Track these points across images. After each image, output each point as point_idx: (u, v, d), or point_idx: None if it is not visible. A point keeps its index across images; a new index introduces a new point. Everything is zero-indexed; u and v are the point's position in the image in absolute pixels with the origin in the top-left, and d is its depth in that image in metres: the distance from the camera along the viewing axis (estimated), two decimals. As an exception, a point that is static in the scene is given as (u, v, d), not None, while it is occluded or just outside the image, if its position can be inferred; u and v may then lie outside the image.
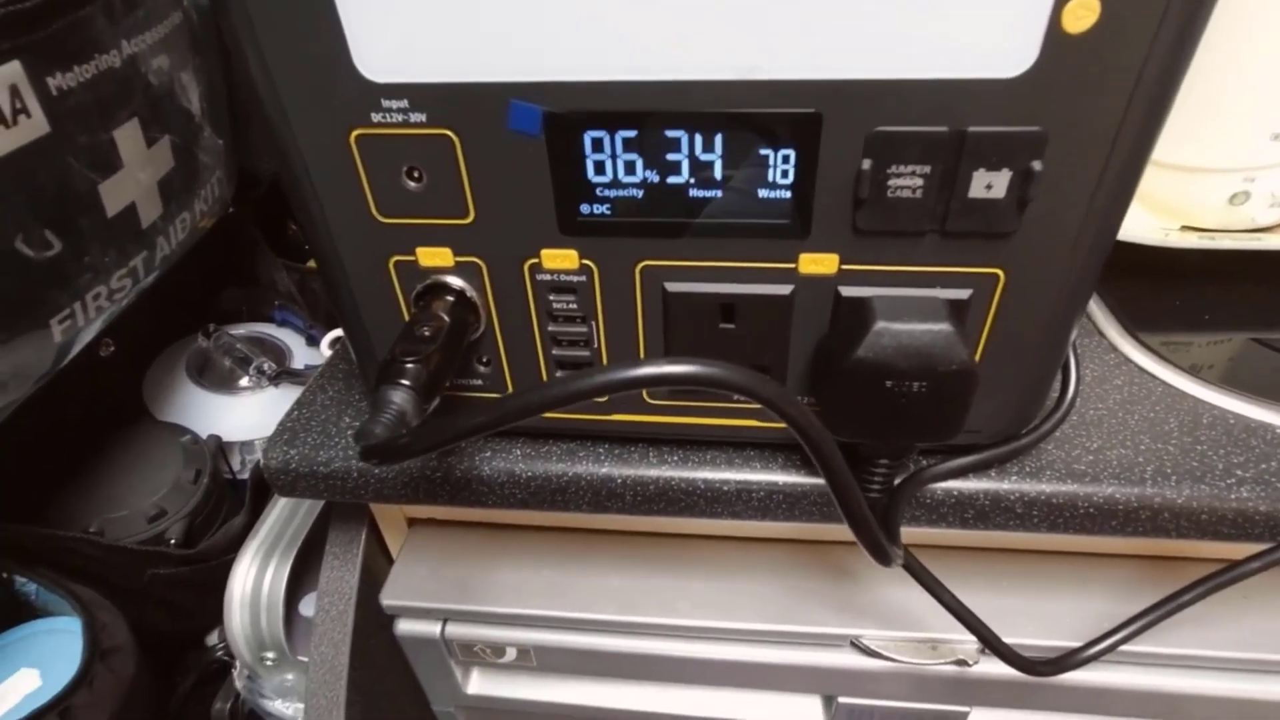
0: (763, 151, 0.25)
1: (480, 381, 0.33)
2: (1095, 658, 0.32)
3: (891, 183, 0.25)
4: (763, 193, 0.26)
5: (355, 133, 0.26)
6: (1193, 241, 0.41)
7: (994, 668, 0.37)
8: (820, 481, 0.33)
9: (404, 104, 0.25)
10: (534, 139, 0.26)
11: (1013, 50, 0.22)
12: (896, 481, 0.31)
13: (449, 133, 0.26)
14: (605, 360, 0.31)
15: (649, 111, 0.24)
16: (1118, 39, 0.21)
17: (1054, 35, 0.21)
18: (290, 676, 0.55)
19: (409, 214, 0.28)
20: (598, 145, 0.25)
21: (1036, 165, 0.24)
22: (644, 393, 0.33)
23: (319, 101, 0.26)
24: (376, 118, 0.26)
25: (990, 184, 0.24)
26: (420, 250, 0.29)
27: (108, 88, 0.42)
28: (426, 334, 0.28)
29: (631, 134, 0.25)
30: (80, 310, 0.43)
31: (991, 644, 0.30)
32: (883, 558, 0.24)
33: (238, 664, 0.55)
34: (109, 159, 0.42)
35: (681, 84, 0.24)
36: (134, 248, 0.46)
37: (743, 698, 0.43)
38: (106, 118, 0.42)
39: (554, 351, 0.31)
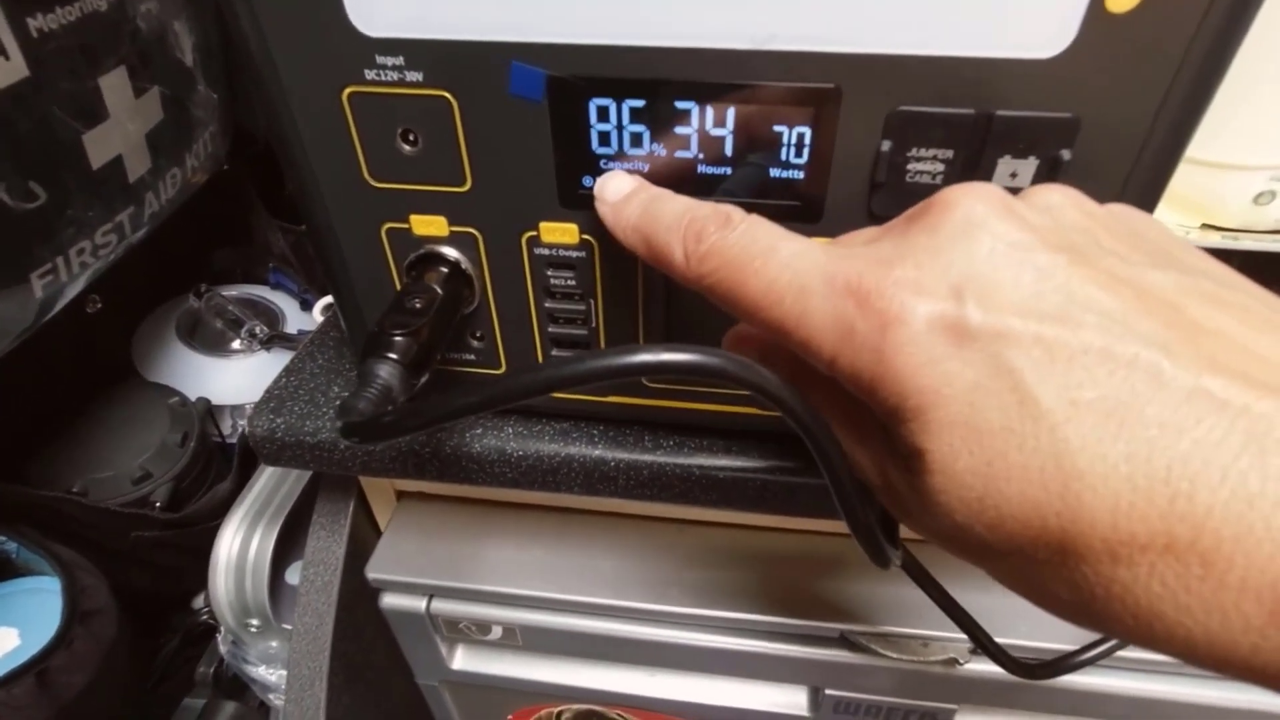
0: (777, 128, 0.24)
1: (473, 356, 0.32)
2: (1091, 662, 0.32)
3: (911, 166, 0.23)
4: (775, 172, 0.25)
5: (348, 90, 0.25)
6: (1214, 241, 0.40)
7: (984, 667, 0.36)
8: (817, 473, 0.32)
9: (400, 61, 0.24)
10: (536, 105, 0.24)
11: (1049, 29, 0.21)
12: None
13: (446, 94, 0.24)
14: (603, 340, 0.30)
15: (658, 80, 0.23)
16: (1164, 19, 0.20)
17: (1095, 14, 0.20)
18: (275, 643, 0.55)
19: (403, 179, 0.27)
20: (603, 114, 0.24)
21: (1065, 154, 0.22)
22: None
23: (310, 55, 0.24)
24: (370, 75, 0.24)
25: (1015, 172, 0.23)
26: (414, 218, 0.28)
27: (93, 32, 0.40)
28: (417, 306, 0.27)
29: (639, 104, 0.24)
30: (63, 265, 0.41)
31: (987, 647, 0.30)
32: (881, 560, 0.23)
33: (222, 629, 0.54)
34: (93, 108, 0.41)
35: (694, 52, 0.22)
36: (120, 202, 0.45)
37: (728, 685, 0.43)
38: (91, 64, 0.40)
39: (550, 329, 0.30)
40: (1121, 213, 0.19)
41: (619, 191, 0.23)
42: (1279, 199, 0.40)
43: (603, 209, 0.24)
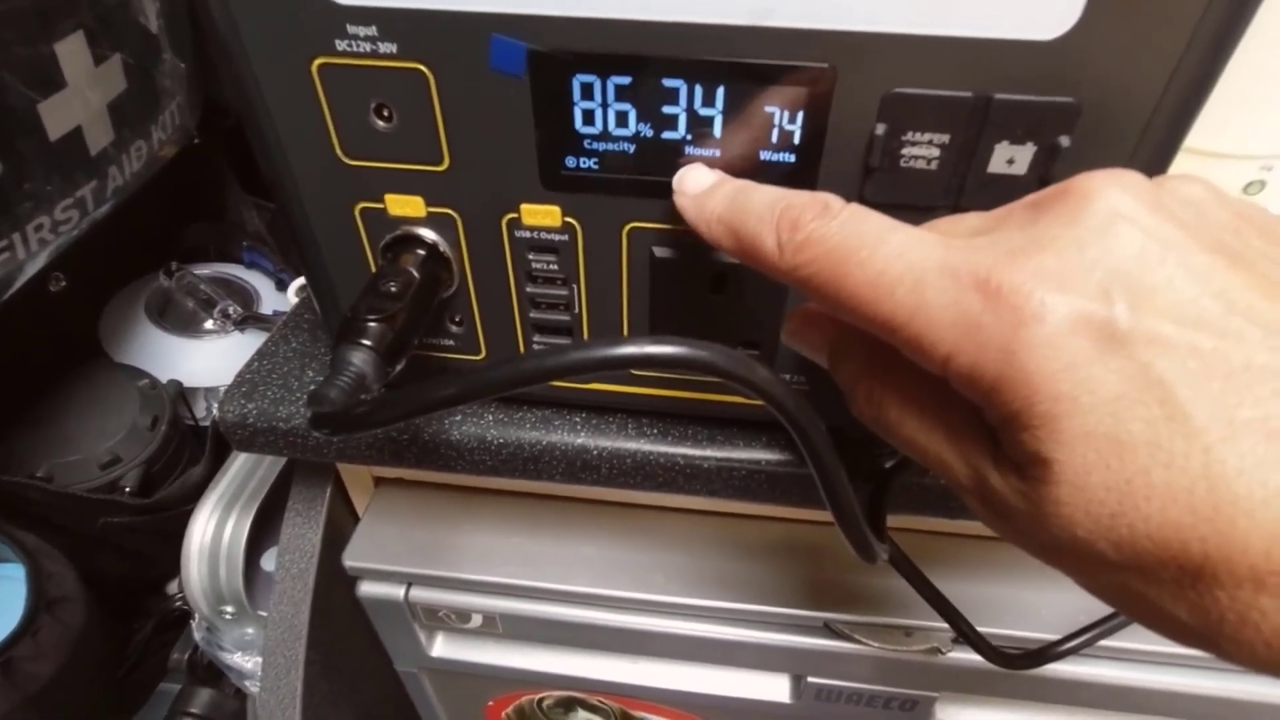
0: (768, 109, 0.23)
1: (452, 342, 0.31)
2: (1072, 652, 0.32)
3: (906, 151, 0.23)
4: (765, 155, 0.24)
5: (318, 61, 0.24)
6: (1201, 230, 0.40)
7: (965, 656, 0.36)
8: (804, 463, 0.32)
9: (373, 31, 0.23)
10: (517, 80, 0.23)
11: (1052, 10, 0.20)
12: (887, 465, 0.30)
13: (422, 67, 0.23)
14: (586, 327, 0.29)
15: (646, 56, 0.22)
16: (1170, 1, 0.19)
17: (1100, -6, 0.19)
18: (250, 630, 0.54)
19: (377, 157, 0.26)
20: (587, 91, 0.23)
21: (1064, 140, 0.22)
22: (625, 363, 0.31)
23: (277, 23, 0.23)
24: (342, 45, 0.23)
25: (1012, 158, 0.22)
26: (389, 198, 0.27)
27: (47, -6, 0.38)
28: (393, 290, 0.26)
29: (625, 81, 0.23)
30: (20, 241, 0.39)
31: (970, 637, 0.30)
32: (868, 554, 0.22)
33: (196, 616, 0.53)
34: (50, 75, 0.39)
35: (685, 27, 0.21)
36: (81, 176, 0.43)
37: (710, 673, 0.43)
38: (46, 28, 0.38)
39: (532, 315, 0.29)
40: (1261, 211, 0.17)
41: (700, 184, 0.22)
42: (1269, 189, 0.39)
43: (682, 202, 0.23)
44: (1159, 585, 0.14)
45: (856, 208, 0.18)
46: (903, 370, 0.18)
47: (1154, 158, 0.23)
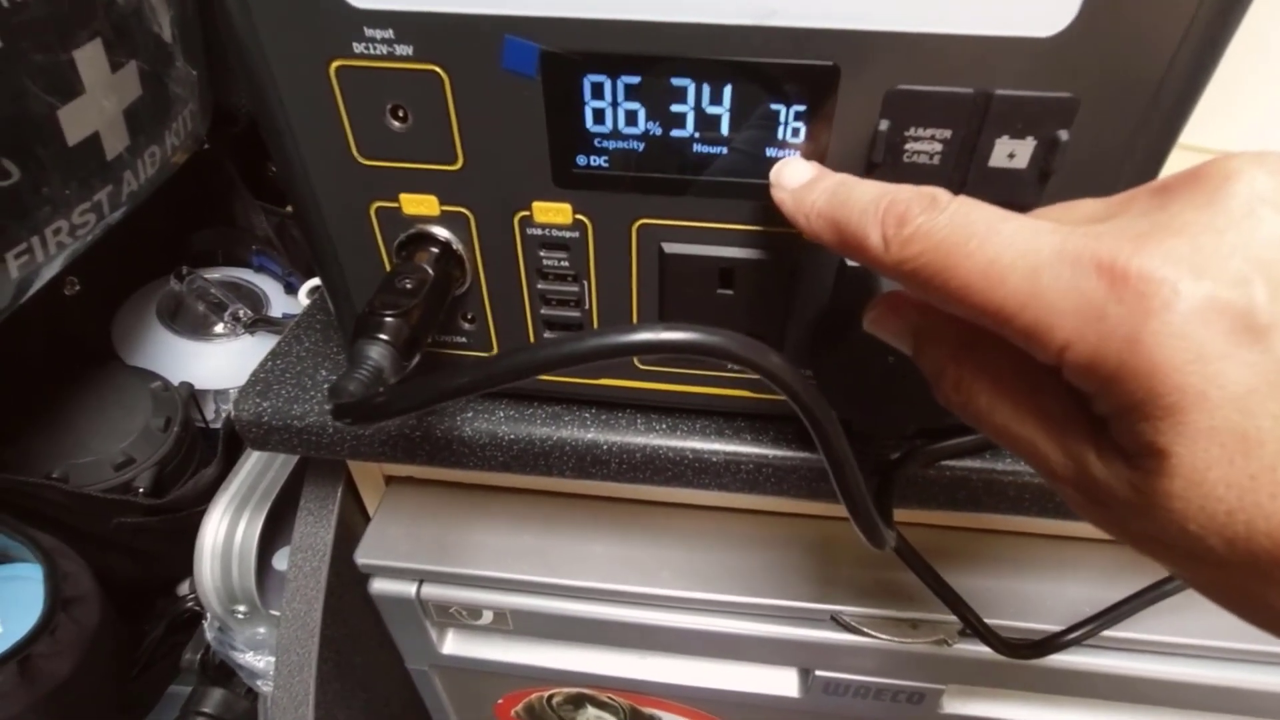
0: (774, 106, 0.23)
1: (464, 339, 0.32)
2: (1076, 642, 0.32)
3: (909, 146, 0.23)
4: (771, 152, 0.24)
5: (335, 64, 0.24)
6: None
7: (972, 647, 0.37)
8: (810, 456, 0.32)
9: (389, 34, 0.23)
10: (529, 81, 0.24)
11: (1049, 7, 0.20)
12: (893, 457, 0.30)
13: (438, 69, 0.24)
14: (596, 322, 0.30)
15: (655, 56, 0.23)
16: (1165, -1, 0.20)
17: (1096, -8, 0.20)
18: (262, 629, 0.54)
19: (392, 157, 0.26)
20: (598, 91, 0.24)
21: (1063, 134, 0.22)
22: (634, 358, 0.31)
23: (295, 27, 0.24)
24: (359, 48, 0.24)
25: (1013, 153, 0.23)
26: (404, 197, 0.27)
27: (66, 3, 0.38)
28: (408, 287, 0.26)
29: (635, 80, 0.23)
30: (39, 245, 0.40)
31: (976, 628, 0.30)
32: (877, 540, 0.23)
33: (208, 615, 0.54)
34: (69, 82, 0.39)
35: (691, 27, 0.22)
36: (98, 181, 0.43)
37: (719, 667, 0.43)
38: (65, 36, 0.39)
39: (543, 311, 0.30)
40: None
41: (799, 177, 0.22)
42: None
43: (780, 195, 0.22)
44: (1269, 583, 0.14)
45: (965, 199, 0.18)
46: (994, 356, 0.18)
47: (1151, 152, 0.23)
